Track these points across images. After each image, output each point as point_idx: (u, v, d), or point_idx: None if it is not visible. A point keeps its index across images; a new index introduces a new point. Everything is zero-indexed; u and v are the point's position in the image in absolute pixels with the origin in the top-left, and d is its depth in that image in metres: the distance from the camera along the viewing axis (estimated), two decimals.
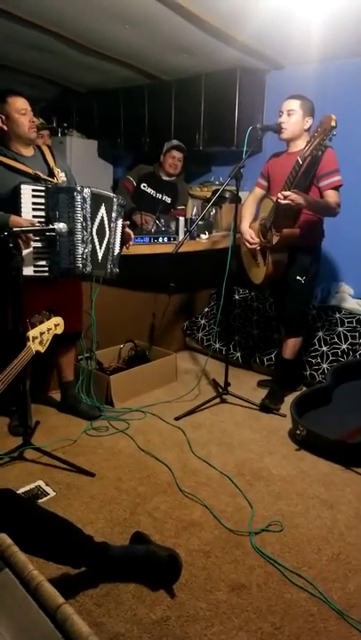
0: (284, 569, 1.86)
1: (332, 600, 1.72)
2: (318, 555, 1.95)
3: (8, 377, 1.66)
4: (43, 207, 2.44)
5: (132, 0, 3.16)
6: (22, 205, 2.41)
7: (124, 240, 2.75)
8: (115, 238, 2.67)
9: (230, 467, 2.53)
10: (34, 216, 2.43)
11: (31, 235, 2.40)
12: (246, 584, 1.79)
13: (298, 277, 2.99)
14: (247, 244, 3.13)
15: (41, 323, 1.95)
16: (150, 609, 1.67)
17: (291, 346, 3.13)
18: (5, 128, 2.50)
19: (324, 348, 3.44)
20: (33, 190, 2.43)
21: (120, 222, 2.69)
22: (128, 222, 2.80)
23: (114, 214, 2.63)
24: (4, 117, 2.49)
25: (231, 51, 3.85)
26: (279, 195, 2.68)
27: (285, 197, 2.65)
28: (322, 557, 1.93)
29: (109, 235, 2.63)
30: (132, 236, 2.87)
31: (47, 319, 1.99)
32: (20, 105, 2.48)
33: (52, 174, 2.63)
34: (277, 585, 1.79)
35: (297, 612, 1.68)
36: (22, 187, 2.40)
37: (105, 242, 2.61)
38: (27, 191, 2.42)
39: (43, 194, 2.45)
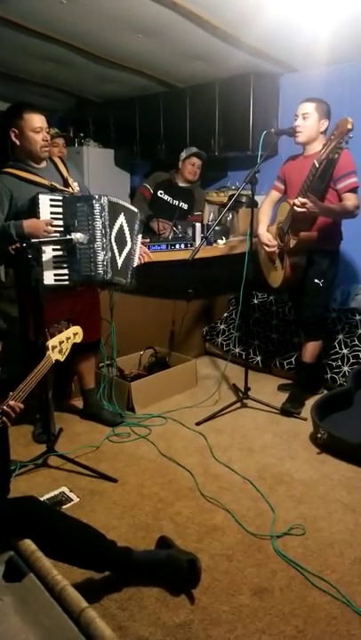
0: (307, 572, 1.86)
1: (355, 603, 1.71)
2: (341, 558, 1.94)
3: (29, 386, 1.71)
4: (61, 216, 2.49)
5: (144, 9, 3.21)
6: (40, 215, 2.45)
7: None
8: (135, 250, 2.74)
9: (252, 471, 2.54)
10: (53, 225, 2.47)
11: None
12: (269, 588, 1.80)
13: (316, 281, 2.99)
14: (265, 248, 3.14)
15: (60, 332, 2.00)
16: (173, 612, 1.69)
17: (310, 349, 3.12)
18: (18, 143, 2.54)
19: (345, 351, 3.42)
20: (50, 200, 2.47)
21: (140, 237, 2.77)
22: (148, 240, 2.86)
23: (136, 226, 2.71)
24: (17, 132, 2.52)
25: (243, 55, 3.87)
26: (295, 201, 2.68)
27: (302, 205, 2.65)
28: (345, 561, 1.93)
29: (131, 245, 2.70)
30: (150, 257, 2.91)
31: (66, 328, 2.03)
32: (34, 123, 2.49)
33: (66, 184, 2.67)
34: (300, 588, 1.80)
35: (320, 615, 1.68)
36: (40, 196, 2.44)
37: (125, 251, 2.67)
38: (44, 201, 2.46)
39: (60, 203, 2.49)
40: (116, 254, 2.62)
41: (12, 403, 1.62)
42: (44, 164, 2.64)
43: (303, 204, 2.65)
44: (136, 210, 2.74)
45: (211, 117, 4.58)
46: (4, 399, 1.67)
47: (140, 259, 2.83)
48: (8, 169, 2.55)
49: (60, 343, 1.96)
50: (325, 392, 3.31)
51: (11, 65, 4.64)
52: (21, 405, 1.65)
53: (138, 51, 4.01)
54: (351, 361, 3.36)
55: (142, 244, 2.85)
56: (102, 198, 2.51)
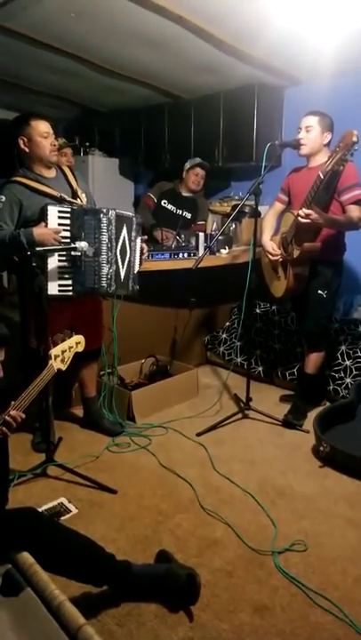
0: (309, 590, 1.82)
1: (358, 624, 1.67)
2: (344, 576, 1.91)
3: (31, 395, 1.69)
4: (69, 228, 2.49)
5: (150, 23, 3.23)
6: (48, 226, 2.45)
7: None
8: (134, 257, 2.72)
9: (253, 484, 2.51)
10: (60, 236, 2.47)
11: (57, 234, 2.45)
12: (270, 605, 1.76)
13: (319, 291, 2.97)
14: (269, 256, 3.13)
15: (63, 341, 1.98)
16: (172, 629, 1.66)
17: (313, 360, 3.10)
18: (27, 150, 2.56)
19: (348, 362, 3.40)
20: (59, 212, 2.48)
21: (139, 240, 2.75)
22: (145, 237, 2.83)
23: (133, 233, 2.69)
24: (25, 140, 2.54)
25: (248, 68, 3.89)
26: (300, 212, 2.67)
27: (306, 216, 2.65)
28: (347, 579, 1.89)
29: (130, 254, 2.68)
30: (146, 248, 2.89)
31: (68, 337, 2.02)
32: (42, 128, 2.53)
33: (75, 195, 2.67)
34: (302, 606, 1.76)
35: (322, 635, 1.64)
36: (49, 208, 2.45)
37: (126, 261, 2.66)
38: (53, 212, 2.46)
39: (68, 215, 2.49)
40: (120, 267, 2.61)
41: (13, 413, 1.60)
42: (53, 174, 2.64)
43: (307, 215, 2.65)
44: (132, 215, 2.70)
45: (215, 128, 4.60)
46: (5, 407, 1.65)
47: (141, 255, 2.79)
48: (18, 178, 2.55)
49: (63, 352, 1.95)
50: (328, 404, 3.29)
51: (20, 75, 4.69)
52: (23, 415, 1.64)
53: (144, 63, 4.03)
54: (354, 373, 3.33)
55: (142, 241, 2.79)
56: (110, 212, 2.51)
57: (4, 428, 1.60)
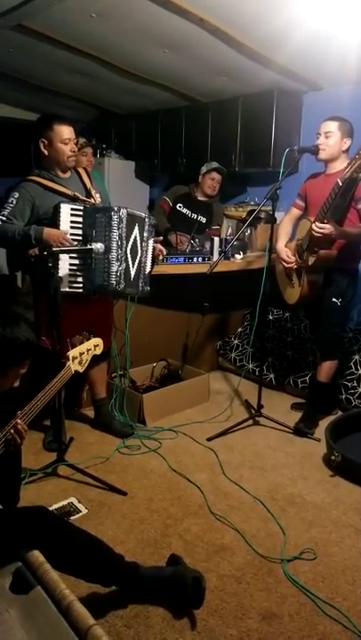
0: (318, 599, 1.81)
1: None
2: (353, 586, 1.89)
3: (47, 395, 1.70)
4: (80, 226, 2.53)
5: (171, 25, 3.23)
6: (61, 223, 2.51)
7: (154, 257, 2.81)
8: (146, 257, 2.73)
9: (262, 491, 2.50)
10: (71, 234, 2.52)
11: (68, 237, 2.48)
12: (278, 613, 1.76)
13: (334, 299, 2.96)
14: (283, 263, 3.13)
15: (81, 343, 1.99)
16: (180, 633, 1.65)
17: (326, 369, 3.08)
18: (46, 153, 2.59)
19: None
20: (71, 209, 2.53)
21: (151, 242, 2.75)
22: (161, 238, 2.84)
23: (145, 234, 2.70)
24: (46, 142, 2.57)
25: (269, 73, 3.88)
26: (314, 226, 2.67)
27: (320, 229, 2.64)
28: (356, 589, 1.88)
29: (141, 254, 2.69)
30: (164, 251, 2.90)
31: (87, 340, 2.03)
32: (64, 134, 2.55)
33: (89, 195, 2.70)
34: (310, 615, 1.75)
35: None
36: (62, 205, 2.50)
37: (137, 261, 2.67)
38: (65, 210, 2.51)
39: (80, 213, 2.54)
40: (130, 265, 2.62)
41: (19, 427, 1.62)
42: (68, 175, 2.68)
43: (321, 229, 2.64)
44: (144, 215, 2.70)
45: (232, 133, 4.59)
46: (19, 407, 1.66)
47: (158, 255, 2.82)
48: (33, 177, 2.59)
49: (81, 354, 1.95)
50: (340, 413, 3.27)
51: (41, 77, 4.73)
52: (26, 428, 1.66)
53: (163, 65, 4.05)
54: None
55: (155, 242, 2.80)
56: (121, 210, 2.52)
57: (12, 442, 1.62)
